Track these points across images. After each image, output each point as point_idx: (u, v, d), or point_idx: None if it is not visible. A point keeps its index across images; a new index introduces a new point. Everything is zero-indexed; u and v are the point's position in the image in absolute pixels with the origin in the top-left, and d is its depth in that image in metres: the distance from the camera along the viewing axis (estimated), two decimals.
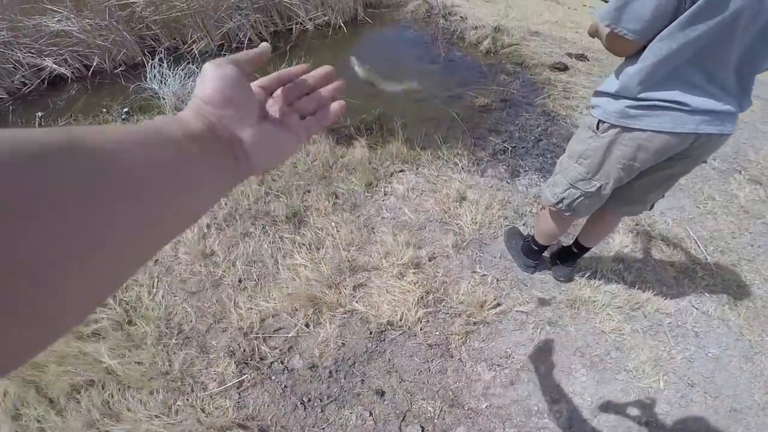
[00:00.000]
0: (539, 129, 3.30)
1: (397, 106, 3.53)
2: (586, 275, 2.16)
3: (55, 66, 5.63)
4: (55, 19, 5.67)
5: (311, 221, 2.32)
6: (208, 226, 2.26)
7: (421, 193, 2.55)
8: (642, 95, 1.24)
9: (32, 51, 5.73)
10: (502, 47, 5.06)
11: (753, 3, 1.03)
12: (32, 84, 5.70)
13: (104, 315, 1.82)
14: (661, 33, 1.14)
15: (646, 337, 1.96)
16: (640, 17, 1.12)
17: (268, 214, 2.35)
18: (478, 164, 2.83)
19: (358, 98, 3.49)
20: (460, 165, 2.79)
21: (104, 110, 3.63)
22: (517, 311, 1.99)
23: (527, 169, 2.85)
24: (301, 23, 5.96)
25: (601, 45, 1.34)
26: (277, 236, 2.23)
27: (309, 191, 2.51)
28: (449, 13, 6.55)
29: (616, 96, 1.32)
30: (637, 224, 2.52)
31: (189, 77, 3.68)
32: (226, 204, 2.39)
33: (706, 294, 2.19)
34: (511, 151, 3.00)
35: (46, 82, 5.68)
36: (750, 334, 2.02)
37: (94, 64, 5.87)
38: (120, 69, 5.84)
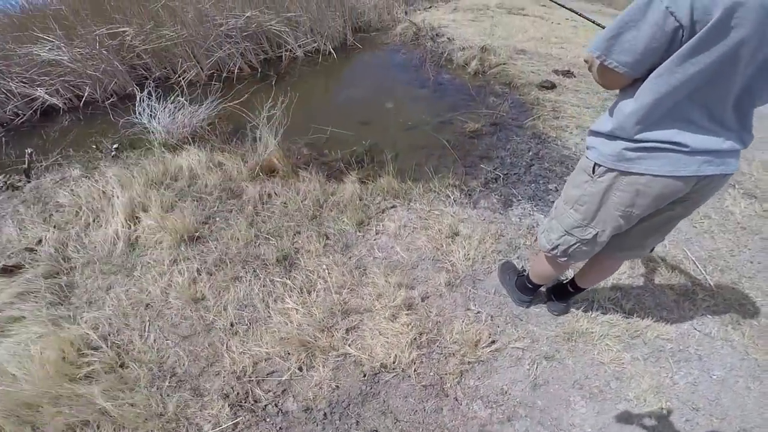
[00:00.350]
0: (530, 153, 3.30)
1: (388, 135, 3.54)
2: (583, 307, 2.13)
3: (47, 96, 5.63)
4: (47, 48, 5.68)
5: (302, 263, 2.29)
6: (198, 271, 2.23)
7: (412, 231, 2.53)
8: (639, 136, 1.16)
9: (24, 80, 5.73)
10: (490, 67, 5.10)
11: (757, 32, 0.94)
12: (24, 115, 5.69)
13: (96, 358, 1.81)
14: (659, 68, 1.06)
15: (647, 364, 1.93)
16: (633, 49, 1.05)
17: (258, 258, 2.32)
18: (470, 195, 2.82)
19: (350, 130, 3.49)
20: (452, 198, 2.77)
21: (94, 146, 3.60)
22: (512, 347, 1.96)
23: (520, 197, 2.84)
24: (291, 50, 5.99)
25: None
26: (267, 280, 2.20)
27: (299, 232, 2.49)
28: (437, 34, 6.61)
29: (611, 136, 1.23)
30: None
31: (179, 110, 3.67)
32: (216, 248, 2.36)
33: (708, 315, 2.16)
34: (503, 179, 2.99)
35: (38, 112, 5.67)
36: (756, 353, 1.99)
37: (86, 94, 5.87)
38: (112, 99, 5.85)
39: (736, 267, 2.44)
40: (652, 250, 1.66)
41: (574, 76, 4.92)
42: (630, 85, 1.17)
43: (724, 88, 1.06)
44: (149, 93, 3.99)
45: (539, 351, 1.96)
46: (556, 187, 2.93)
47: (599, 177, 1.30)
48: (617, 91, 1.25)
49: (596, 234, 1.43)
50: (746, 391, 1.85)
